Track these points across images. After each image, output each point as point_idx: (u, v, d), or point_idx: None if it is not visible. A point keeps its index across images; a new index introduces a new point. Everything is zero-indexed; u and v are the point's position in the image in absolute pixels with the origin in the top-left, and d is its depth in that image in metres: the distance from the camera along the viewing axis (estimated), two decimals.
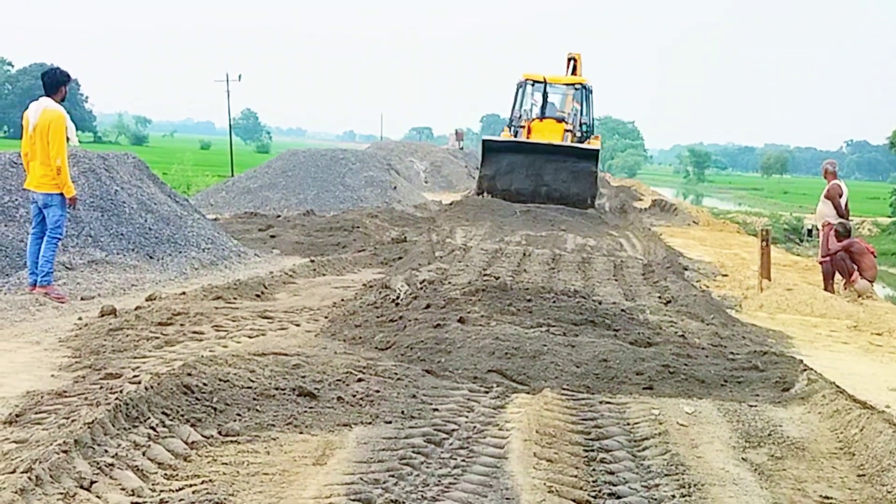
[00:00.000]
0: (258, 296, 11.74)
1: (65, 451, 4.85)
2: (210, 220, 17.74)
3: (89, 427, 5.22)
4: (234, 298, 11.21)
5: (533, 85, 30.08)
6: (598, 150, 27.59)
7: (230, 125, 49.42)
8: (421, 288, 10.82)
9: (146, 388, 5.99)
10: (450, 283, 11.65)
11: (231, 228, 18.71)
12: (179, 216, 15.41)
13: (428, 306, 9.65)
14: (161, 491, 4.85)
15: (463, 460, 5.54)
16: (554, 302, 10.26)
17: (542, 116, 29.80)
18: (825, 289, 15.30)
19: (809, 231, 17.48)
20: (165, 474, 5.08)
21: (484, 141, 28.85)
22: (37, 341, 8.80)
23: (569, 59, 32.14)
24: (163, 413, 5.81)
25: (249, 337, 9.00)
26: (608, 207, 32.80)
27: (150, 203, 15.03)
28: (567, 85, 31.09)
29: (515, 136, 29.27)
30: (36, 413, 6.24)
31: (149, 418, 5.66)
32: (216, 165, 50.46)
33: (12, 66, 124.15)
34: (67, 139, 11.06)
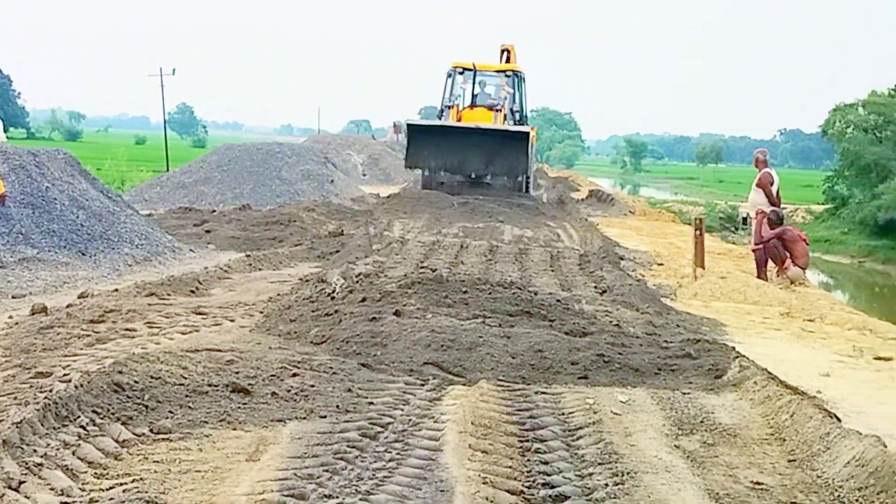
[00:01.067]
0: (192, 292, 11.64)
1: None
2: (144, 215, 17.56)
3: (18, 427, 5.15)
4: (168, 295, 11.10)
5: (462, 73, 29.38)
6: (528, 132, 26.98)
7: (165, 120, 48.91)
8: (357, 281, 10.79)
9: (76, 387, 5.92)
10: (386, 276, 11.63)
11: (165, 224, 18.53)
12: (112, 212, 15.25)
13: (364, 300, 9.62)
14: (91, 490, 4.80)
15: (398, 453, 5.53)
16: (490, 293, 10.28)
17: (473, 105, 29.32)
18: (758, 276, 15.47)
19: (744, 219, 17.70)
20: (96, 473, 5.03)
21: (409, 125, 28.36)
22: None
23: (502, 51, 31.63)
24: (93, 412, 5.74)
25: (183, 333, 8.92)
26: (545, 198, 32.87)
27: (82, 199, 14.85)
28: (498, 72, 30.32)
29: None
30: None
31: (79, 417, 5.60)
32: (151, 160, 49.90)
33: None
34: None
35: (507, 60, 30.97)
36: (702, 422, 6.44)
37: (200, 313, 9.97)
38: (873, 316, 14.48)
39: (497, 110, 28.75)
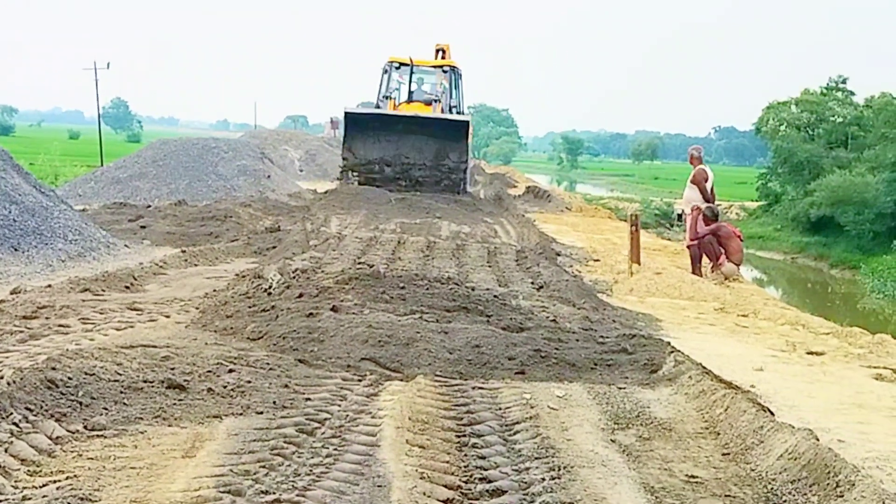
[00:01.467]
0: (127, 287, 11.53)
1: None
2: (78, 210, 17.35)
3: None
4: (103, 290, 10.99)
5: (399, 68, 29.32)
6: (467, 121, 26.97)
7: (99, 114, 48.56)
8: (294, 277, 10.74)
9: (8, 384, 5.83)
10: (323, 271, 11.59)
11: (100, 219, 18.33)
12: (45, 207, 15.04)
13: (301, 295, 9.59)
14: (24, 488, 4.73)
15: (335, 449, 5.52)
16: (427, 289, 10.29)
17: (410, 100, 29.21)
18: (693, 272, 15.64)
19: (679, 216, 17.89)
20: (29, 471, 4.96)
21: (346, 113, 27.80)
22: None
23: (437, 50, 31.34)
24: (26, 408, 5.67)
25: (117, 329, 8.83)
26: (483, 194, 32.96)
27: (14, 194, 14.63)
28: (435, 67, 30.24)
29: None
30: None
31: (11, 414, 5.52)
32: (85, 155, 49.42)
33: None
34: None
35: (443, 59, 30.79)
36: (637, 416, 6.49)
37: (135, 309, 9.88)
38: (805, 311, 14.72)
39: (435, 101, 28.76)
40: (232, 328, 8.68)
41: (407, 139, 26.71)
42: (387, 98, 28.96)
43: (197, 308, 10.03)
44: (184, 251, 14.76)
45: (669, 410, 6.70)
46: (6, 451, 5.10)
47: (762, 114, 50.79)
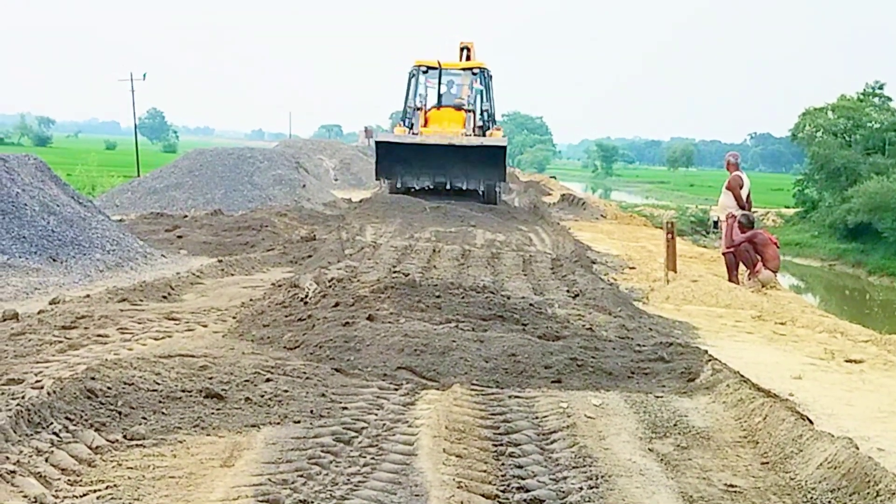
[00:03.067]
0: (165, 297, 11.60)
1: None
2: (115, 221, 17.50)
3: None
4: (140, 300, 11.06)
5: (426, 72, 28.16)
6: (504, 146, 26.09)
7: (135, 125, 48.78)
8: (330, 286, 10.77)
9: (49, 394, 5.88)
10: (359, 280, 11.60)
11: (137, 229, 18.46)
12: (83, 218, 15.18)
13: (337, 304, 9.61)
14: (64, 497, 4.77)
15: (372, 458, 5.53)
16: (463, 297, 10.28)
17: (440, 105, 28.27)
18: (730, 280, 15.55)
19: (715, 223, 17.78)
20: (69, 480, 5.00)
21: (377, 142, 27.11)
22: None
23: (461, 49, 30.40)
24: (66, 418, 5.71)
25: (155, 339, 8.89)
26: (517, 203, 32.89)
27: (53, 205, 14.78)
28: (464, 70, 29.13)
29: (411, 129, 27.27)
30: None
31: (52, 424, 5.56)
32: (122, 166, 49.71)
33: None
34: None
35: (468, 58, 30.00)
36: (675, 425, 6.46)
37: (173, 319, 9.94)
38: (844, 318, 14.60)
39: (467, 110, 27.85)
40: (269, 337, 8.71)
41: (442, 162, 25.90)
42: (416, 110, 27.84)
43: (234, 317, 10.08)
44: (220, 261, 14.84)
45: (707, 419, 6.66)
46: (47, 460, 5.15)
47: (798, 120, 50.43)
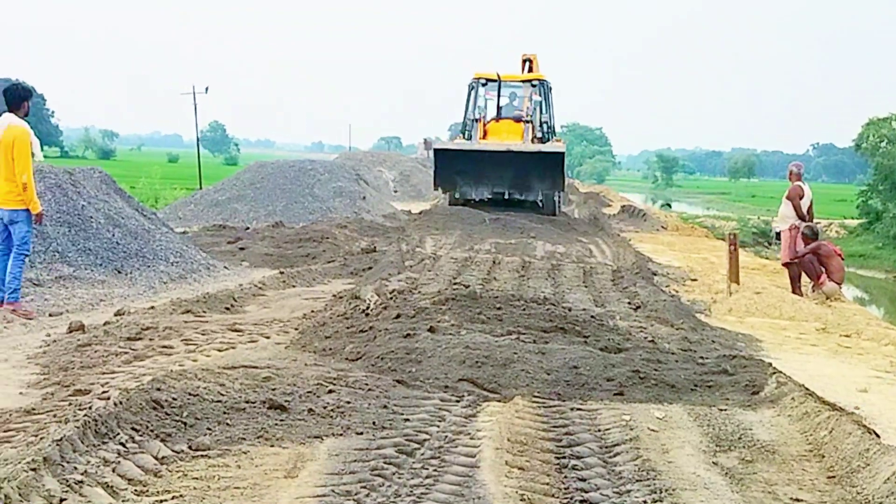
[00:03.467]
0: (228, 309, 11.69)
1: (34, 469, 4.81)
2: (178, 233, 17.68)
3: (58, 444, 5.18)
4: (204, 312, 11.16)
5: (486, 84, 28.17)
6: (562, 152, 25.83)
7: (198, 138, 49.16)
8: (391, 298, 10.80)
9: (115, 404, 5.95)
10: (420, 292, 11.64)
11: (200, 241, 18.62)
12: (147, 230, 15.35)
13: (398, 316, 9.63)
14: None
15: (435, 470, 5.53)
16: (524, 309, 10.27)
17: (499, 117, 28.26)
18: (793, 292, 15.39)
19: (777, 234, 17.59)
20: (135, 490, 5.05)
21: (436, 150, 27.10)
22: (4, 358, 8.74)
23: (524, 61, 30.66)
24: (132, 429, 5.77)
25: (219, 350, 8.97)
26: (577, 214, 32.80)
27: (118, 217, 14.96)
28: (524, 82, 29.03)
29: (469, 140, 27.38)
30: (4, 431, 6.20)
31: (118, 434, 5.63)
32: (184, 178, 50.26)
33: None
34: (32, 154, 11.00)
35: (530, 70, 30.13)
36: (739, 438, 6.40)
37: (236, 330, 10.02)
38: None
39: (525, 122, 27.83)
40: (331, 349, 8.75)
41: (501, 172, 25.73)
42: (475, 121, 27.94)
43: (296, 329, 10.14)
44: (282, 272, 14.93)
45: (772, 432, 6.59)
46: (114, 470, 5.21)
47: (862, 130, 49.73)
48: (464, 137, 28.04)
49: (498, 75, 27.70)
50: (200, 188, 36.10)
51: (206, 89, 48.12)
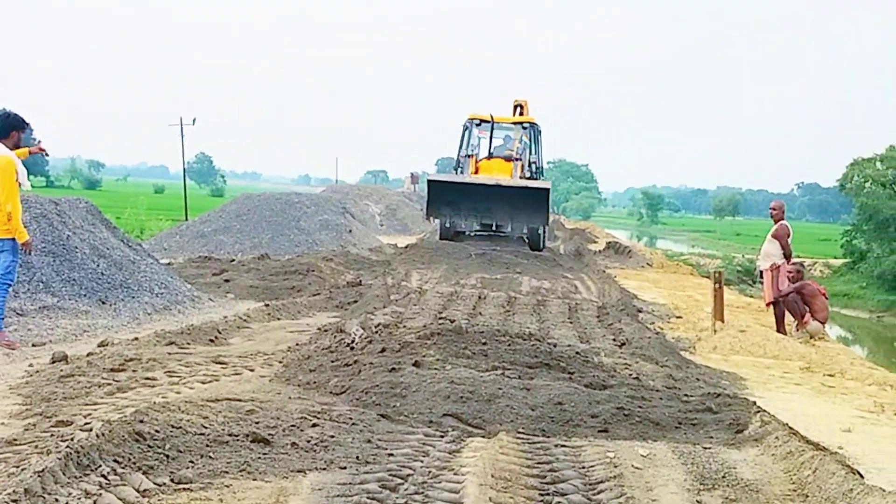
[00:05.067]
0: (212, 341, 11.66)
1: (14, 501, 4.77)
2: (163, 264, 17.63)
3: (39, 476, 5.14)
4: (188, 343, 11.13)
5: (479, 125, 29.67)
6: (548, 188, 26.93)
7: (184, 169, 49.24)
8: (376, 332, 10.79)
9: (97, 436, 5.91)
10: (405, 326, 11.62)
11: (185, 273, 18.61)
12: (132, 261, 15.32)
13: (383, 350, 9.61)
14: None
15: None
16: (509, 345, 10.27)
17: (490, 156, 29.63)
18: (778, 330, 15.42)
19: (761, 273, 17.61)
20: None
21: (429, 181, 28.31)
22: None
23: (515, 106, 31.91)
24: (114, 461, 5.73)
25: (203, 382, 8.93)
26: (563, 249, 32.87)
27: (103, 248, 14.93)
28: (515, 124, 30.58)
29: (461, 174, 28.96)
30: None
31: (100, 466, 5.59)
32: (170, 209, 50.26)
33: None
34: (19, 184, 10.98)
35: (521, 114, 31.41)
36: (724, 477, 6.39)
37: (220, 362, 9.98)
38: (894, 371, 14.41)
39: (515, 160, 29.00)
40: (315, 382, 8.72)
41: (489, 205, 26.85)
42: (468, 157, 29.35)
43: (280, 362, 10.11)
44: (267, 305, 14.91)
45: (756, 472, 6.58)
46: (95, 503, 5.17)
47: (846, 170, 50.11)
48: (456, 172, 29.53)
49: (491, 116, 28.97)
50: (186, 219, 36.11)
51: (194, 121, 48.28)
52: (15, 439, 6.74)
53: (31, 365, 9.83)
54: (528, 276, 20.63)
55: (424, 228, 30.71)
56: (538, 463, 6.54)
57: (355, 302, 15.76)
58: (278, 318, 14.11)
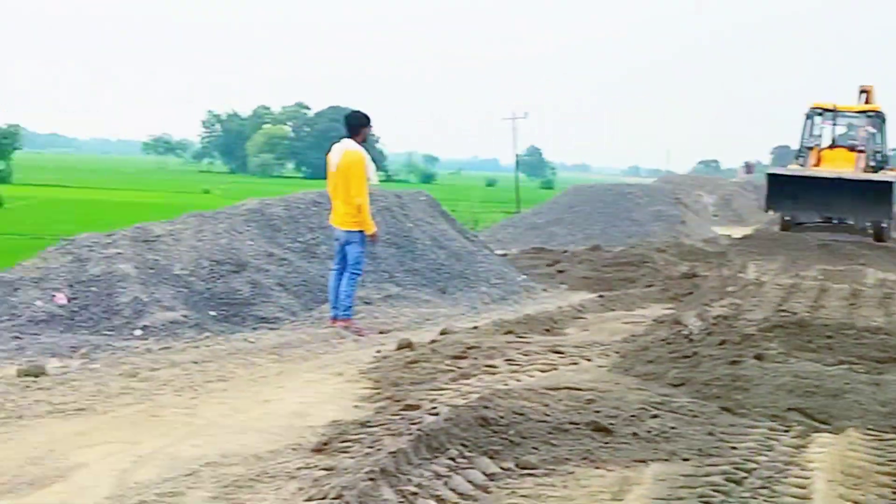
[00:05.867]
0: (547, 330, 11.79)
1: (372, 479, 5.02)
2: (498, 255, 18.01)
3: (393, 456, 5.38)
4: (525, 333, 11.29)
5: (822, 114, 29.19)
6: (891, 181, 26.02)
7: (516, 162, 50.17)
8: (714, 323, 10.61)
9: (445, 420, 6.12)
10: (744, 318, 11.37)
11: (519, 264, 18.91)
12: (470, 252, 15.75)
13: (723, 342, 9.43)
14: None
15: (765, 500, 5.38)
16: (856, 338, 9.85)
17: (833, 145, 29.17)
18: None
19: None
20: None
21: (768, 174, 28.26)
22: (339, 373, 9.16)
23: (861, 92, 30.79)
24: (461, 444, 5.92)
25: (542, 371, 9.04)
26: None
27: (442, 239, 15.43)
28: (859, 113, 29.69)
29: (802, 166, 28.44)
30: (342, 442, 6.47)
31: (448, 449, 5.78)
32: (502, 202, 51.26)
33: (310, 110, 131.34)
34: (368, 179, 11.49)
35: (866, 101, 30.39)
36: None
37: (557, 352, 10.06)
38: None
39: (858, 151, 28.28)
40: (653, 373, 8.66)
41: (830, 198, 26.30)
42: (808, 148, 28.90)
43: (617, 352, 10.09)
44: (601, 296, 14.94)
45: None
46: (445, 484, 5.36)
47: None
48: (798, 163, 28.94)
49: (834, 106, 28.83)
50: (518, 211, 36.73)
51: (525, 115, 49.10)
52: (368, 421, 7.07)
53: (378, 351, 10.28)
54: (873, 268, 19.68)
55: (760, 219, 30.02)
56: (890, 461, 6.24)
57: (690, 293, 15.53)
58: (612, 309, 14.11)
